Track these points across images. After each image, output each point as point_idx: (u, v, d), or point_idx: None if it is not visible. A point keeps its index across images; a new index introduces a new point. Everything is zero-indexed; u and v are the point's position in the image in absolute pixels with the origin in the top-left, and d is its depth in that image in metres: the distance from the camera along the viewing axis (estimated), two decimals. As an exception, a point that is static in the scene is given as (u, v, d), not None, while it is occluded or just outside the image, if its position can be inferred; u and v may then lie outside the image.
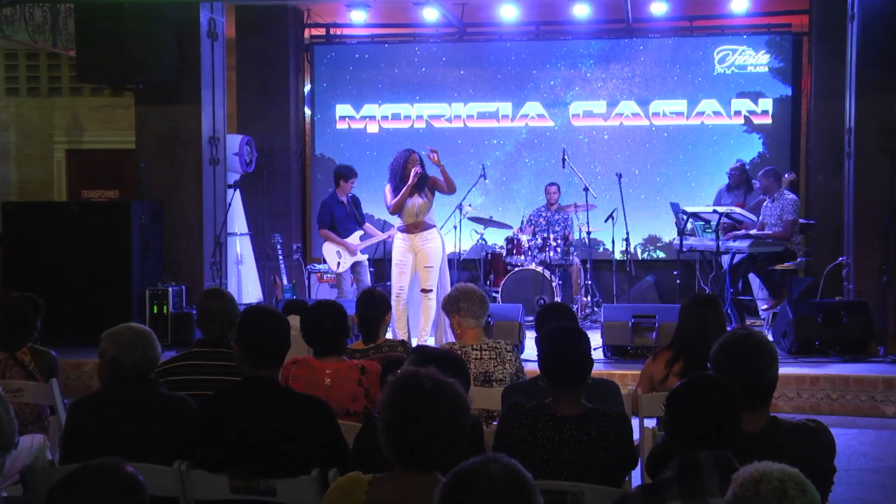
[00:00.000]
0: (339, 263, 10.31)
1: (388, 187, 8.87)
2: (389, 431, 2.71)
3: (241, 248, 11.22)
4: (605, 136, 12.40)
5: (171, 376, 4.50)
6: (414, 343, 8.54)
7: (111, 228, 9.61)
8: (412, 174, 8.67)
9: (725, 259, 9.76)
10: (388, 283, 9.14)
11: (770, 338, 8.92)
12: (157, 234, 9.90)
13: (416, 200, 8.78)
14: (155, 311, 9.34)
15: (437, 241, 8.85)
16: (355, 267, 10.41)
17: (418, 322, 8.86)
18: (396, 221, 9.05)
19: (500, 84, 12.63)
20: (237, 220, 11.20)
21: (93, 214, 9.81)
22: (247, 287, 11.17)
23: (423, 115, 12.75)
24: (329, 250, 10.38)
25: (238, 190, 10.77)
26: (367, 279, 10.51)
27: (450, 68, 12.73)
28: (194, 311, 8.96)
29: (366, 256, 10.54)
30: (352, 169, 10.54)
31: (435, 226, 8.96)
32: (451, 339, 5.52)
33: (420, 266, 8.78)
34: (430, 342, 8.64)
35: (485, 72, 12.67)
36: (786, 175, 10.22)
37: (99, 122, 13.65)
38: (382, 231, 10.62)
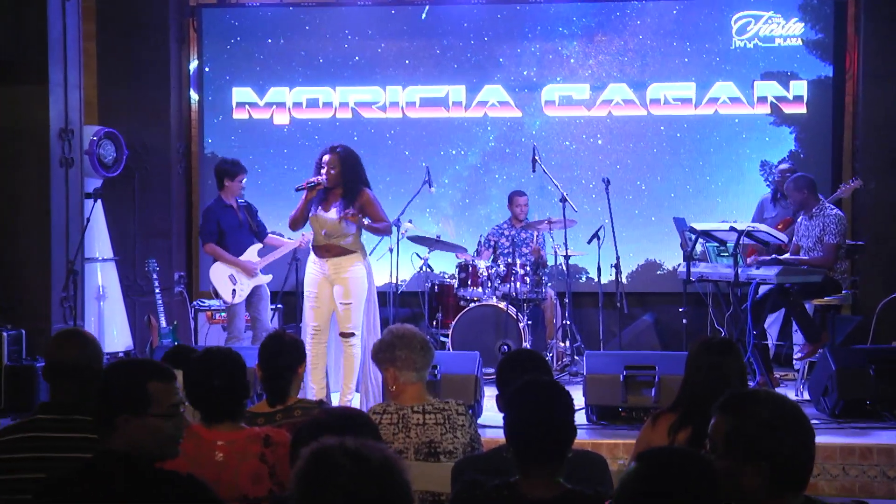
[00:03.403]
0: (234, 291, 10.13)
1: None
2: None
3: (103, 278, 11.13)
4: (598, 136, 12.51)
5: (1, 454, 4.40)
6: (336, 402, 8.51)
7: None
8: (308, 182, 8.59)
9: (747, 292, 9.80)
10: (300, 325, 9.08)
11: (806, 395, 9.02)
12: (-13, 259, 9.79)
13: (325, 216, 8.64)
14: (-17, 365, 9.23)
15: (359, 271, 8.68)
16: (252, 298, 10.29)
17: (339, 375, 8.80)
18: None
19: (449, 62, 12.69)
20: (98, 240, 11.11)
21: None
22: (111, 330, 11.06)
23: (348, 101, 12.77)
24: (219, 275, 10.20)
25: (100, 201, 10.67)
26: (267, 316, 10.41)
27: (384, 41, 12.76)
28: (39, 364, 8.83)
29: (268, 278, 10.42)
30: (238, 164, 10.43)
31: (355, 252, 8.80)
32: (380, 398, 5.50)
33: (337, 301, 8.68)
34: (356, 402, 8.61)
35: (430, 46, 12.73)
36: (850, 182, 10.31)
37: None
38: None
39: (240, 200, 10.42)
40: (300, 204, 8.66)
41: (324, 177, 8.59)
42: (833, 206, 9.90)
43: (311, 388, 8.56)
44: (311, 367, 8.32)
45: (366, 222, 8.66)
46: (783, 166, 11.24)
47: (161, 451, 3.73)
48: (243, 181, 10.39)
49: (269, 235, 10.66)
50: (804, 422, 3.33)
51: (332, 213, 8.60)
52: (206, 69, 12.93)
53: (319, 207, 8.67)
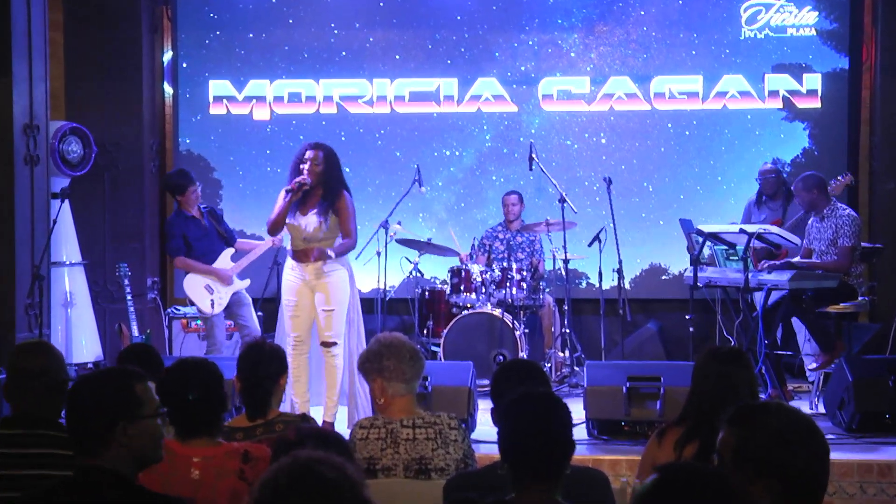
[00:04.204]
0: (212, 302, 10.13)
1: (281, 193, 8.72)
2: None
3: (70, 283, 11.10)
4: (601, 134, 12.52)
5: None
6: (319, 416, 8.49)
7: None
8: (295, 183, 8.53)
9: (758, 298, 9.78)
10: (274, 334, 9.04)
11: (821, 408, 9.01)
12: (-53, 264, 9.77)
13: (307, 220, 8.62)
14: (-57, 376, 9.20)
15: (341, 274, 8.64)
16: (232, 307, 10.28)
17: (321, 387, 8.76)
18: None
19: (442, 56, 12.69)
20: (65, 243, 11.09)
21: None
22: (79, 340, 11.03)
23: (332, 95, 12.75)
24: (194, 286, 10.19)
25: (67, 201, 10.64)
26: (255, 322, 10.38)
27: (370, 31, 12.75)
28: (2, 376, 8.81)
29: (246, 283, 10.41)
30: (186, 175, 10.51)
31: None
32: (369, 411, 5.49)
33: (318, 308, 8.65)
34: (342, 416, 8.60)
35: (421, 39, 12.72)
36: (839, 178, 10.31)
37: None
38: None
39: (202, 206, 10.43)
40: (282, 207, 8.58)
41: (306, 175, 8.55)
42: (845, 206, 9.90)
43: (294, 402, 8.53)
44: (292, 379, 8.30)
45: (332, 255, 8.55)
46: (767, 167, 11.22)
47: (155, 454, 3.78)
48: (196, 192, 10.41)
49: (240, 239, 10.67)
50: (818, 435, 3.31)
51: (311, 217, 8.58)
52: (184, 65, 12.89)
53: (297, 211, 8.64)
